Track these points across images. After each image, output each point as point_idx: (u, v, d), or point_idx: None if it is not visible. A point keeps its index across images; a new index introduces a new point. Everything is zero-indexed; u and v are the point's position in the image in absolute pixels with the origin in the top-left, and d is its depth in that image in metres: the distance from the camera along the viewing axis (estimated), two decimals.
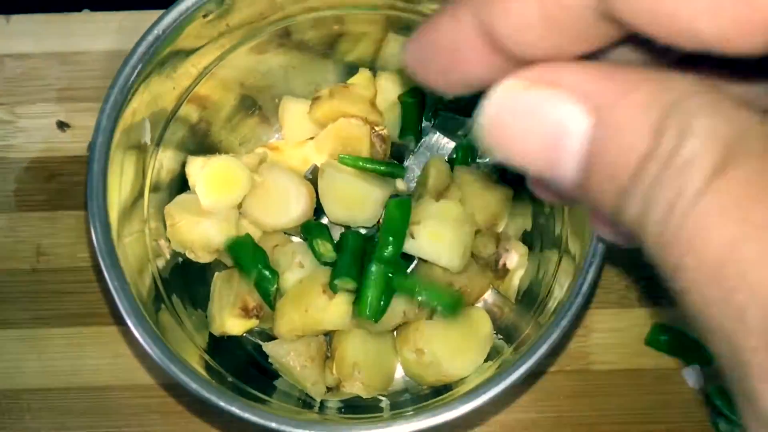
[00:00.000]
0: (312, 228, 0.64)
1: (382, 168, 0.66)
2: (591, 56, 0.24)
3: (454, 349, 0.61)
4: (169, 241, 0.63)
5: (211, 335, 0.63)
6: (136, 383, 0.68)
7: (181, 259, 0.64)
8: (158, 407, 0.68)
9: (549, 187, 0.27)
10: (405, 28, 0.64)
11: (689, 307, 0.21)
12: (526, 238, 0.67)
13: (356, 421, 0.58)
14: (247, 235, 0.63)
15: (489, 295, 0.67)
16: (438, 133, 0.71)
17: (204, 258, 0.64)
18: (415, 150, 0.71)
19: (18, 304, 0.70)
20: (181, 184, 0.65)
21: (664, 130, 0.21)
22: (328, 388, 0.63)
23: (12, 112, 0.74)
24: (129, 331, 0.68)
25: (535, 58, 0.23)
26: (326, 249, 0.63)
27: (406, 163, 0.71)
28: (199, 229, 0.62)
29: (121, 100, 0.55)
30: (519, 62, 0.24)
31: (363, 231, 0.65)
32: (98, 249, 0.53)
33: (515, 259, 0.64)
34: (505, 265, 0.64)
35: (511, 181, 0.67)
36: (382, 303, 0.60)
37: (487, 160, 0.70)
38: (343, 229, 0.66)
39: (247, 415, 0.52)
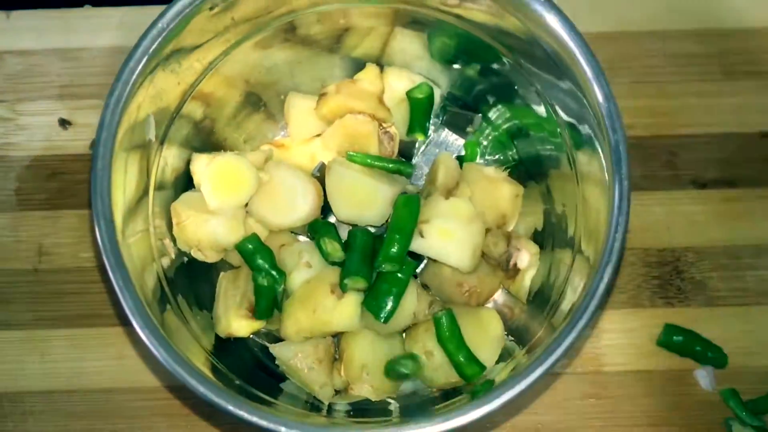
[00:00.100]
0: (319, 227, 0.63)
1: (390, 165, 0.65)
2: None
3: None
4: (175, 240, 0.62)
5: (217, 337, 0.62)
6: (140, 385, 0.68)
7: (186, 259, 0.64)
8: (162, 410, 0.67)
9: None
10: (413, 22, 0.63)
11: None
12: (537, 238, 0.66)
13: (365, 425, 0.57)
14: (254, 235, 0.63)
15: (499, 296, 0.66)
16: (447, 130, 0.70)
17: (211, 257, 0.63)
18: (424, 147, 0.70)
19: (20, 305, 0.70)
20: (186, 182, 0.64)
21: None
22: (336, 390, 0.63)
23: (13, 110, 0.74)
24: (133, 333, 0.67)
25: None
26: (334, 248, 0.62)
27: (414, 161, 0.70)
28: (207, 227, 0.62)
29: (126, 95, 0.54)
30: None
31: (372, 230, 0.65)
32: (103, 248, 0.52)
33: (526, 258, 0.63)
34: (516, 264, 0.63)
35: (521, 178, 0.67)
36: (391, 304, 0.59)
37: (497, 156, 0.69)
38: (350, 229, 0.65)
39: (255, 419, 0.51)
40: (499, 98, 0.66)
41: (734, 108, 0.73)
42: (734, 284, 0.69)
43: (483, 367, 0.59)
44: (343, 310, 0.60)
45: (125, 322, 0.68)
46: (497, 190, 0.65)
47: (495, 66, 0.63)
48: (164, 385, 0.68)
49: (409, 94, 0.66)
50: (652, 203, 0.71)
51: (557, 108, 0.59)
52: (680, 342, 0.67)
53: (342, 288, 0.60)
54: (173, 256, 0.62)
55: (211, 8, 0.56)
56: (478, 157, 0.69)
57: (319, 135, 0.68)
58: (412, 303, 0.61)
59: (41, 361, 0.68)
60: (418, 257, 0.63)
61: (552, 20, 0.54)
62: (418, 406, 0.60)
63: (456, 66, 0.66)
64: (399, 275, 0.60)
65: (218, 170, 0.62)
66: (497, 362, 0.61)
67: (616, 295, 0.69)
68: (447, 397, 0.59)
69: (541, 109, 0.62)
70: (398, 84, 0.67)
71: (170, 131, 0.61)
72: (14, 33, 0.75)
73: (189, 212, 0.62)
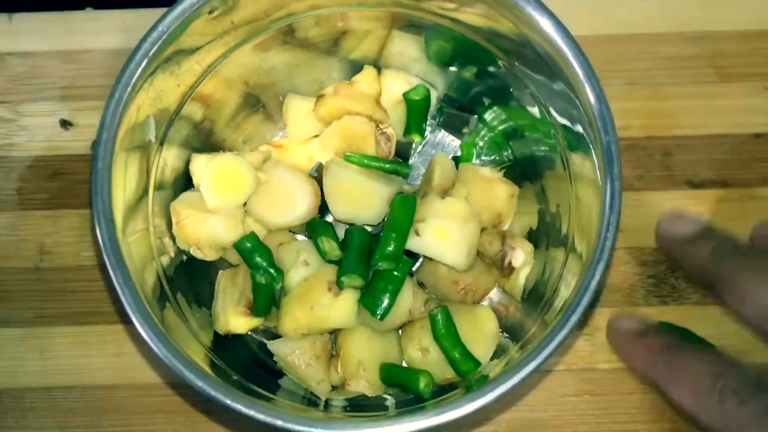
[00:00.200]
0: (317, 226, 0.64)
1: (387, 166, 0.66)
2: None
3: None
4: (174, 238, 0.63)
5: (215, 333, 0.63)
6: (140, 382, 0.68)
7: (185, 257, 0.64)
8: (162, 406, 0.68)
9: None
10: (409, 25, 0.64)
11: None
12: (532, 237, 0.66)
13: (361, 420, 0.57)
14: (252, 233, 0.63)
15: (494, 294, 0.67)
16: (443, 131, 0.71)
17: (210, 255, 0.64)
18: (420, 148, 0.71)
19: (21, 303, 0.70)
20: (185, 182, 0.65)
21: None
22: (333, 386, 0.63)
23: (15, 111, 0.74)
24: (133, 330, 0.68)
25: None
26: (331, 247, 0.63)
27: (411, 161, 0.70)
28: (206, 226, 0.62)
29: (126, 97, 0.55)
30: None
31: (369, 229, 0.65)
32: (103, 247, 0.53)
33: (521, 257, 0.64)
34: (510, 263, 0.64)
35: (516, 178, 0.67)
36: (388, 302, 0.60)
37: (492, 157, 0.70)
38: (347, 227, 0.66)
39: (252, 413, 0.51)
40: (494, 100, 0.67)
41: (728, 109, 0.74)
42: None
43: (478, 364, 0.60)
44: (340, 308, 0.61)
45: (125, 320, 0.69)
46: (493, 190, 0.66)
47: (490, 68, 0.64)
48: (164, 381, 0.68)
49: (405, 95, 0.67)
50: (647, 203, 0.72)
51: (551, 109, 0.60)
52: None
53: (339, 285, 0.61)
54: (173, 254, 0.63)
55: (210, 12, 0.56)
56: (474, 157, 0.70)
57: (316, 136, 0.68)
58: (408, 300, 0.62)
59: (42, 358, 0.69)
60: (414, 256, 0.63)
61: (545, 24, 0.55)
62: (414, 402, 0.61)
63: (452, 68, 0.67)
64: (395, 273, 0.61)
65: (217, 170, 0.63)
66: (492, 359, 0.62)
67: (611, 294, 0.70)
68: (442, 393, 0.60)
69: (535, 111, 0.62)
70: (395, 86, 0.68)
71: (170, 132, 0.61)
72: (16, 35, 0.75)
73: (188, 211, 0.62)
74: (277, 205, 0.64)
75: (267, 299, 0.62)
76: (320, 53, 0.67)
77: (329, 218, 0.68)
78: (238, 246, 0.63)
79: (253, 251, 0.63)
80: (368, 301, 0.60)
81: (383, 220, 0.65)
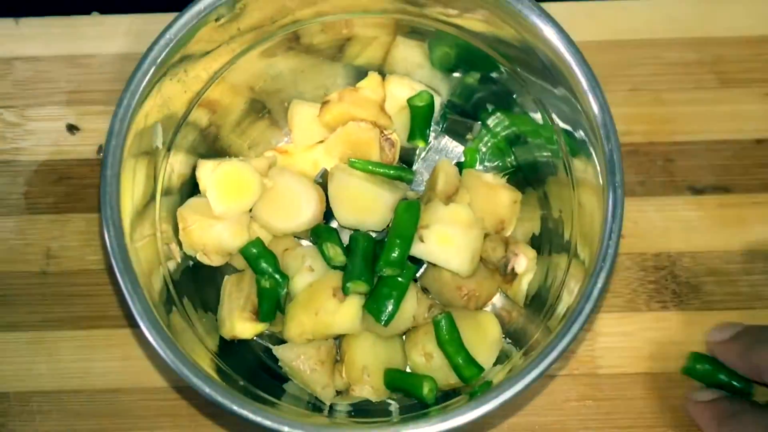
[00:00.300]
0: (322, 232, 0.64)
1: (391, 172, 0.66)
2: None
3: None
4: (181, 244, 0.63)
5: (221, 338, 0.63)
6: (146, 386, 0.69)
7: (191, 263, 0.65)
8: (168, 410, 0.68)
9: None
10: (413, 32, 0.64)
11: None
12: (535, 242, 0.67)
13: (366, 425, 0.58)
14: (258, 239, 0.64)
15: (497, 299, 0.67)
16: (447, 137, 0.71)
17: (216, 261, 0.65)
18: (424, 154, 0.71)
19: (28, 307, 0.71)
20: (192, 188, 0.65)
21: None
22: (337, 391, 0.64)
23: (21, 115, 0.75)
24: (139, 334, 0.69)
25: None
26: (336, 253, 0.63)
27: (414, 167, 0.71)
28: (212, 232, 0.63)
29: (134, 104, 0.55)
30: None
31: (373, 235, 0.66)
32: (111, 252, 0.53)
33: (524, 263, 0.64)
34: (513, 268, 0.64)
35: (519, 185, 0.68)
36: (392, 308, 0.60)
37: (496, 163, 0.70)
38: (352, 233, 0.66)
39: (259, 419, 0.52)
40: (497, 106, 0.67)
41: (729, 115, 0.74)
42: (728, 289, 0.70)
43: (481, 369, 0.60)
44: (345, 313, 0.61)
45: (132, 324, 0.69)
46: (496, 196, 0.66)
47: (493, 75, 0.64)
48: (170, 385, 0.69)
49: (409, 101, 0.67)
50: (649, 209, 0.72)
51: (554, 116, 0.61)
52: (705, 371, 0.67)
53: (344, 291, 0.61)
54: (179, 259, 0.63)
55: (217, 19, 0.57)
56: (477, 163, 0.70)
57: (321, 142, 0.69)
58: (412, 306, 0.62)
59: (48, 362, 0.69)
60: (418, 262, 0.64)
61: (547, 30, 0.55)
62: (418, 407, 0.61)
63: (456, 74, 0.67)
64: (399, 279, 0.61)
65: (223, 176, 0.63)
66: (495, 364, 0.62)
67: (613, 299, 0.70)
68: (446, 399, 0.60)
69: (538, 117, 0.63)
70: (399, 92, 0.68)
71: (177, 138, 0.62)
72: (23, 39, 0.76)
73: (195, 217, 0.63)
74: (282, 211, 0.65)
75: (272, 304, 0.63)
76: (325, 59, 0.67)
77: (334, 224, 0.68)
78: (243, 251, 0.63)
79: (258, 257, 0.63)
80: (373, 306, 0.61)
81: (387, 226, 0.65)
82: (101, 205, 0.54)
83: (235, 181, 0.63)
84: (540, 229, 0.67)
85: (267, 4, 0.59)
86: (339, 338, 0.65)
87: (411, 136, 0.68)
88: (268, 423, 0.52)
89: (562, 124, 0.60)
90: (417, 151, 0.71)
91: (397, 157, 0.69)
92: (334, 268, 0.64)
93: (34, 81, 0.75)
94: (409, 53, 0.67)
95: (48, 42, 0.76)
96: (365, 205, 0.64)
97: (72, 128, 0.74)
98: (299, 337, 0.62)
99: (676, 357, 0.69)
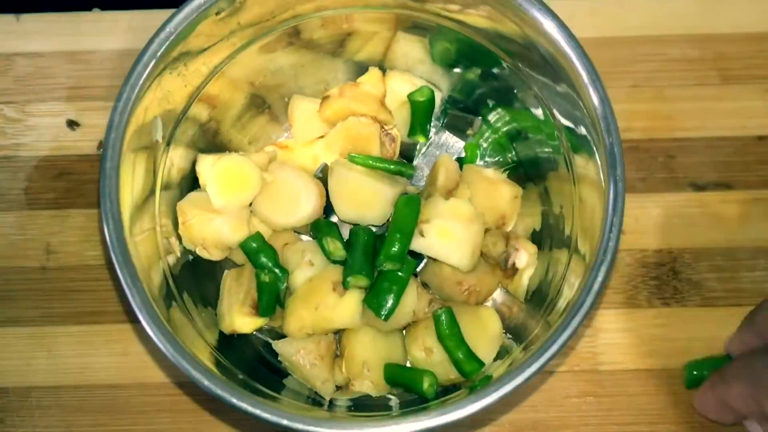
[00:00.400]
0: (322, 226, 0.64)
1: (391, 167, 0.66)
2: None
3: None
4: (180, 238, 0.63)
5: (221, 333, 0.63)
6: (146, 381, 0.69)
7: (191, 257, 0.65)
8: (168, 405, 0.68)
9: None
10: (414, 27, 0.64)
11: None
12: (535, 238, 0.67)
13: (366, 419, 0.58)
14: (258, 234, 0.64)
15: (498, 295, 0.67)
16: (447, 132, 0.71)
17: (216, 255, 0.64)
18: (425, 149, 0.71)
19: (27, 302, 0.71)
20: (191, 182, 0.65)
21: None
22: (337, 386, 0.64)
23: (22, 111, 0.75)
24: (138, 329, 0.69)
25: None
26: (336, 247, 0.63)
27: (415, 162, 0.71)
28: (212, 226, 0.63)
29: (134, 98, 0.55)
30: None
31: (373, 229, 0.66)
32: (111, 246, 0.53)
33: (525, 258, 0.64)
34: (514, 264, 0.64)
35: (520, 180, 0.68)
36: (392, 302, 0.60)
37: (496, 158, 0.70)
38: (352, 228, 0.66)
39: (258, 412, 0.52)
40: (498, 101, 0.67)
41: (731, 112, 0.74)
42: (730, 285, 0.70)
43: (482, 364, 0.60)
44: (345, 308, 0.61)
45: (131, 319, 0.69)
46: (496, 192, 0.66)
47: (494, 70, 0.64)
48: (170, 381, 0.68)
49: (410, 97, 0.67)
50: (650, 205, 0.72)
51: (555, 111, 0.61)
52: (706, 376, 0.65)
53: (345, 285, 0.61)
54: (179, 254, 0.63)
55: (217, 13, 0.57)
56: (478, 159, 0.70)
57: (322, 137, 0.69)
58: (413, 301, 0.62)
59: (48, 357, 0.69)
60: (418, 256, 0.64)
61: (549, 26, 0.55)
62: (417, 402, 0.61)
63: (456, 70, 0.67)
64: (399, 274, 0.61)
65: (223, 171, 0.63)
66: (495, 359, 0.62)
67: (614, 296, 0.70)
68: (446, 394, 0.60)
69: (539, 112, 0.63)
70: (400, 87, 0.68)
71: (176, 133, 0.62)
72: (23, 35, 0.76)
73: (194, 211, 0.63)
74: (282, 206, 0.65)
75: (272, 299, 0.63)
76: (326, 54, 0.67)
77: (334, 219, 0.68)
78: (243, 246, 0.63)
79: (258, 251, 0.63)
80: (373, 301, 0.61)
81: (388, 220, 0.65)
82: (101, 198, 0.54)
83: (235, 175, 0.63)
84: (541, 224, 0.67)
85: None
86: (339, 333, 0.65)
87: (411, 132, 0.68)
88: (267, 416, 0.52)
89: (563, 120, 0.60)
90: (417, 147, 0.71)
91: (397, 153, 0.69)
92: (334, 262, 0.63)
93: (35, 77, 0.75)
94: (410, 48, 0.67)
95: (48, 38, 0.76)
96: (365, 200, 0.64)
97: (72, 124, 0.74)
98: (299, 331, 0.62)
99: (677, 353, 0.68)
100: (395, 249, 0.60)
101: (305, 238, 0.68)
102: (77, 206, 0.72)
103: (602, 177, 0.55)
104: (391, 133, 0.68)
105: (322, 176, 0.67)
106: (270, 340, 0.65)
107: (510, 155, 0.69)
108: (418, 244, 0.62)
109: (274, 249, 0.63)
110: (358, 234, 0.63)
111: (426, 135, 0.69)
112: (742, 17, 0.75)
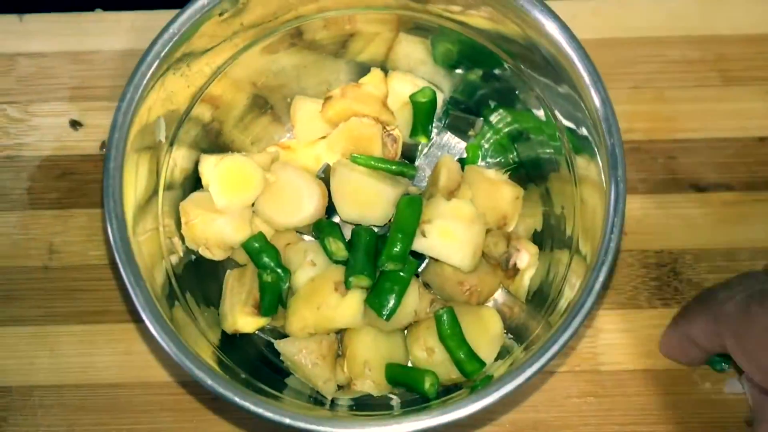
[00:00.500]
0: (324, 226, 0.64)
1: (393, 167, 0.66)
2: None
3: None
4: (183, 238, 0.64)
5: (223, 333, 0.64)
6: (148, 380, 0.69)
7: (194, 257, 0.65)
8: (170, 404, 0.68)
9: None
10: (416, 28, 0.64)
11: None
12: (537, 238, 0.67)
13: (367, 418, 0.58)
14: (260, 234, 0.64)
15: (499, 295, 0.67)
16: (449, 133, 0.72)
17: (218, 255, 0.65)
18: (426, 150, 0.71)
19: (30, 301, 0.71)
20: (194, 183, 0.65)
21: None
22: (339, 386, 0.64)
23: (25, 111, 0.75)
24: (141, 328, 0.69)
25: None
26: (338, 247, 0.63)
27: (417, 163, 0.71)
28: (214, 226, 0.63)
29: (137, 98, 0.55)
30: None
31: (375, 230, 0.66)
32: (114, 246, 0.54)
33: (526, 258, 0.64)
34: (515, 264, 0.65)
35: (521, 181, 0.68)
36: (394, 302, 0.61)
37: (498, 159, 0.70)
38: (354, 228, 0.66)
39: (261, 411, 0.52)
40: (500, 102, 0.67)
41: (732, 113, 0.74)
42: None
43: (483, 364, 0.60)
44: (347, 308, 0.61)
45: (134, 318, 0.70)
46: (498, 192, 0.66)
47: (496, 71, 0.64)
48: (172, 380, 0.69)
49: (412, 98, 0.68)
50: (651, 206, 0.72)
51: (556, 112, 0.61)
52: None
53: (346, 285, 0.61)
54: (182, 253, 0.63)
55: (220, 14, 0.57)
56: (480, 159, 0.70)
57: (324, 137, 0.69)
58: (414, 301, 0.62)
59: (51, 356, 0.70)
60: (420, 257, 0.64)
61: (551, 27, 0.55)
62: (419, 401, 0.61)
63: (458, 71, 0.68)
64: (401, 274, 0.61)
65: (226, 171, 0.64)
66: (496, 359, 0.62)
67: (614, 296, 0.70)
68: (447, 393, 0.60)
69: (540, 114, 0.63)
70: (402, 88, 0.68)
71: (179, 133, 0.62)
72: (26, 36, 0.76)
73: (197, 211, 0.63)
74: (284, 206, 0.65)
75: (274, 299, 0.63)
76: (328, 55, 0.67)
77: (336, 219, 0.68)
78: (246, 246, 0.64)
79: (260, 251, 0.63)
80: (374, 301, 0.61)
81: (390, 221, 0.65)
82: (104, 198, 0.54)
83: (238, 175, 0.63)
84: (542, 225, 0.67)
85: (270, 0, 0.59)
86: (341, 333, 0.65)
87: (413, 132, 0.69)
88: (269, 415, 0.52)
89: (565, 122, 0.60)
90: (419, 147, 0.71)
91: (399, 153, 0.69)
92: (336, 262, 0.64)
93: (38, 77, 0.75)
94: (412, 49, 0.67)
95: (51, 38, 0.76)
96: (367, 200, 0.64)
97: (75, 124, 0.75)
98: (301, 331, 0.62)
99: None
100: (397, 249, 0.60)
101: (307, 238, 0.68)
102: (80, 206, 0.73)
103: (603, 178, 0.55)
104: (393, 133, 0.68)
105: (325, 177, 0.67)
106: (272, 340, 0.65)
107: (511, 156, 0.69)
108: (419, 245, 0.62)
109: (276, 249, 0.64)
110: (360, 234, 0.63)
111: (428, 136, 0.69)
112: (743, 19, 0.76)
